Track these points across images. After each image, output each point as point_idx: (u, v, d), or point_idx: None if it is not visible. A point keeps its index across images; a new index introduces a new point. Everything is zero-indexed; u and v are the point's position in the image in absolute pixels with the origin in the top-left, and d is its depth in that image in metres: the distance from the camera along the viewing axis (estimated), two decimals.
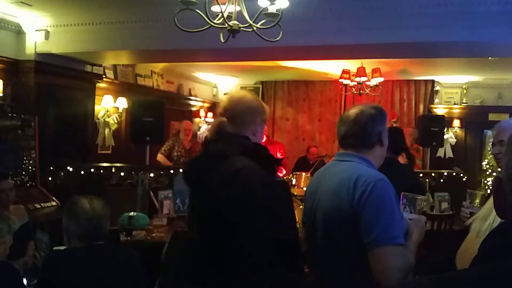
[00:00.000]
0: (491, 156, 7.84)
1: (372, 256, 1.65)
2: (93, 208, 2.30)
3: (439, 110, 8.77)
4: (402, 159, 7.24)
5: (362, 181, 1.74)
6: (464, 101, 8.74)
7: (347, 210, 1.74)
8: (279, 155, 6.10)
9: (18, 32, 5.67)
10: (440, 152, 8.43)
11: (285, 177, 7.03)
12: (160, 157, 6.55)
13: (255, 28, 3.15)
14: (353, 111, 1.95)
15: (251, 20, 3.12)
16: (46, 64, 5.74)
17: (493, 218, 1.55)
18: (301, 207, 7.06)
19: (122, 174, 5.51)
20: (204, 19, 3.02)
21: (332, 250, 1.83)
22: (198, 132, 9.50)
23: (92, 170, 5.55)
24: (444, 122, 7.12)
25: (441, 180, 6.21)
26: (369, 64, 7.23)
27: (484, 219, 1.64)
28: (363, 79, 7.27)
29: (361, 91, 7.46)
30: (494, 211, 1.44)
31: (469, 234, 1.71)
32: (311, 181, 2.12)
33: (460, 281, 0.74)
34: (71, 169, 5.48)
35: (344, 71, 7.44)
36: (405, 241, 1.72)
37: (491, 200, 1.52)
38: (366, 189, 1.72)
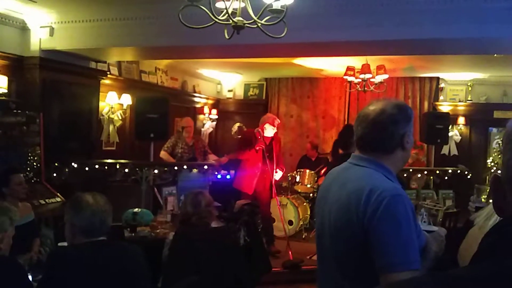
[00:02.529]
0: (496, 154, 7.84)
1: (385, 281, 1.49)
2: (97, 203, 2.33)
3: (444, 107, 8.74)
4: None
5: (375, 196, 1.54)
6: (469, 98, 8.70)
7: (356, 226, 1.56)
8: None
9: (23, 29, 5.68)
10: (445, 150, 8.41)
11: (288, 175, 7.06)
12: (163, 154, 6.57)
13: (259, 24, 3.15)
14: (372, 109, 1.71)
15: (255, 16, 3.11)
16: (51, 60, 5.75)
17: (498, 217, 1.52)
18: (305, 204, 7.10)
19: (126, 170, 5.52)
20: (209, 15, 3.02)
21: (340, 267, 1.67)
22: (202, 129, 9.51)
23: (97, 166, 5.57)
24: (449, 119, 7.10)
25: (446, 178, 6.20)
26: (373, 61, 7.20)
27: (489, 216, 1.61)
28: (367, 76, 7.25)
29: (365, 88, 7.44)
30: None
31: (472, 230, 1.66)
32: (323, 184, 1.92)
33: (463, 279, 0.74)
34: (75, 165, 5.49)
35: (348, 68, 7.42)
36: (422, 258, 1.56)
37: None
38: (379, 206, 1.53)
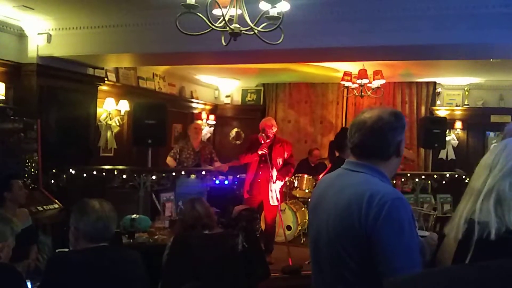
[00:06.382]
0: None
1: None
2: (102, 208, 2.35)
3: (441, 112, 8.76)
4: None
5: (377, 200, 1.55)
6: (466, 103, 8.73)
7: (358, 231, 1.56)
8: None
9: (21, 36, 5.69)
10: (442, 154, 8.42)
11: (286, 180, 7.04)
12: (169, 160, 6.52)
13: (256, 31, 3.16)
14: (369, 116, 1.71)
15: (252, 23, 3.13)
16: (48, 67, 5.76)
17: (457, 221, 1.49)
18: (303, 209, 7.09)
19: (124, 176, 5.51)
20: (206, 22, 3.04)
21: (340, 275, 1.64)
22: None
23: (95, 172, 5.56)
24: (446, 124, 7.12)
25: (443, 182, 6.21)
26: (370, 66, 7.22)
27: (457, 226, 1.58)
28: (364, 81, 7.27)
29: (362, 93, 7.46)
30: (459, 213, 1.45)
31: (445, 238, 1.65)
32: (316, 190, 1.92)
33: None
34: (73, 172, 5.49)
35: (345, 73, 7.44)
36: None
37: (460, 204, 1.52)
38: (381, 210, 1.53)
